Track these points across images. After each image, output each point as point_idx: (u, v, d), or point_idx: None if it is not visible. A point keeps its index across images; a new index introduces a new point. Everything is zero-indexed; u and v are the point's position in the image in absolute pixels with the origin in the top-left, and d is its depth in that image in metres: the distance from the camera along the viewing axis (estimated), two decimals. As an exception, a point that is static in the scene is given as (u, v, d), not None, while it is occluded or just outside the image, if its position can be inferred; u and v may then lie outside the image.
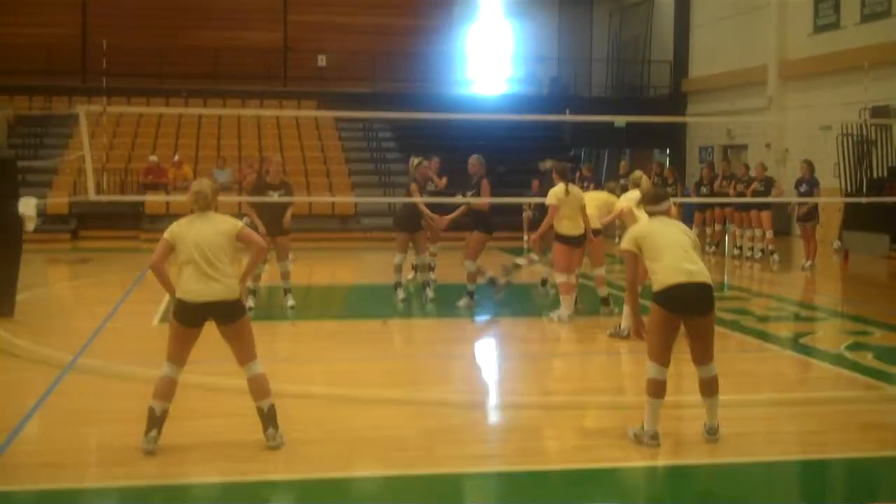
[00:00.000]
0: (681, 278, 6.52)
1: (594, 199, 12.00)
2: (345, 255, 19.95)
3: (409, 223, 12.94)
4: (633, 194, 10.63)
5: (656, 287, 6.62)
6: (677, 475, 6.39)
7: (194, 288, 6.37)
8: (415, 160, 13.31)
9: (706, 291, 6.61)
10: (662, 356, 6.61)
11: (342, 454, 6.48)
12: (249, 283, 11.67)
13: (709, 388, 6.72)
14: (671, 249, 6.64)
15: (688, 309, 6.58)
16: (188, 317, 6.43)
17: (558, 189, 11.48)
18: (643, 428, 6.65)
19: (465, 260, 12.53)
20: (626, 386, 8.95)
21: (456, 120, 25.08)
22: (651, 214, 6.99)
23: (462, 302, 12.46)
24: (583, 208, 11.50)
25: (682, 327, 6.68)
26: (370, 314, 12.29)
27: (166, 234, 6.55)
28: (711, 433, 6.73)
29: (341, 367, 9.37)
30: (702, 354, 6.69)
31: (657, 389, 6.61)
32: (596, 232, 11.81)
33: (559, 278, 11.65)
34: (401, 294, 12.98)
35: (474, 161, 12.48)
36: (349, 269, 18.65)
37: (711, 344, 6.72)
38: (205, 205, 6.57)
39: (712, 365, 6.70)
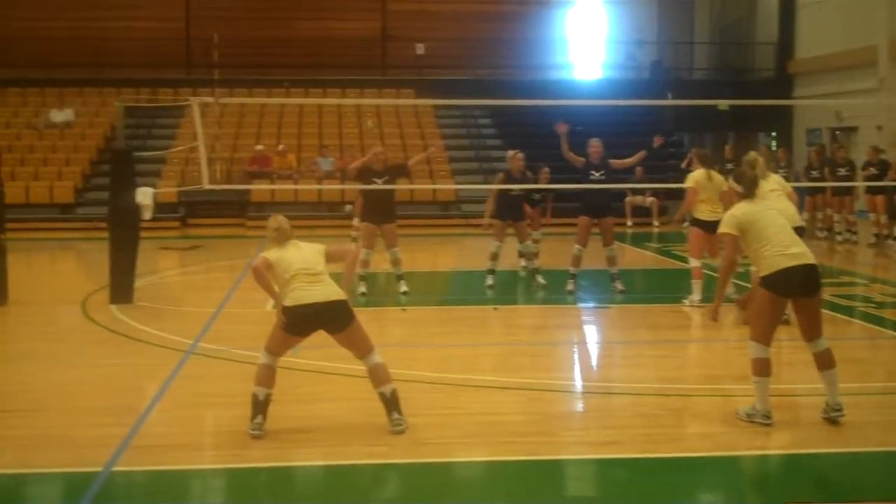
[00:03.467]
0: (789, 262, 6.62)
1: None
2: (446, 242, 19.99)
3: (508, 212, 13.00)
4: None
5: (764, 271, 6.71)
6: (797, 463, 6.26)
7: (303, 293, 6.44)
8: (510, 153, 13.55)
9: (814, 273, 6.71)
10: (767, 337, 6.73)
11: (464, 438, 6.50)
12: (359, 270, 11.77)
13: (824, 361, 6.75)
14: (775, 233, 6.74)
15: (797, 291, 6.66)
16: (297, 325, 6.50)
17: (699, 174, 11.62)
18: (755, 407, 6.72)
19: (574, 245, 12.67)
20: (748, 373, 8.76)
21: (555, 106, 24.86)
22: (748, 198, 6.98)
23: (569, 286, 12.59)
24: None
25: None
26: (476, 300, 12.31)
27: (265, 254, 6.66)
28: (835, 410, 6.69)
29: (453, 353, 9.39)
30: (812, 330, 6.77)
31: (764, 367, 6.70)
32: None
33: (692, 263, 11.75)
34: (490, 281, 13.02)
35: (597, 144, 12.59)
36: (451, 255, 18.70)
37: (819, 320, 6.81)
38: (286, 237, 6.72)
39: (823, 339, 6.76)
